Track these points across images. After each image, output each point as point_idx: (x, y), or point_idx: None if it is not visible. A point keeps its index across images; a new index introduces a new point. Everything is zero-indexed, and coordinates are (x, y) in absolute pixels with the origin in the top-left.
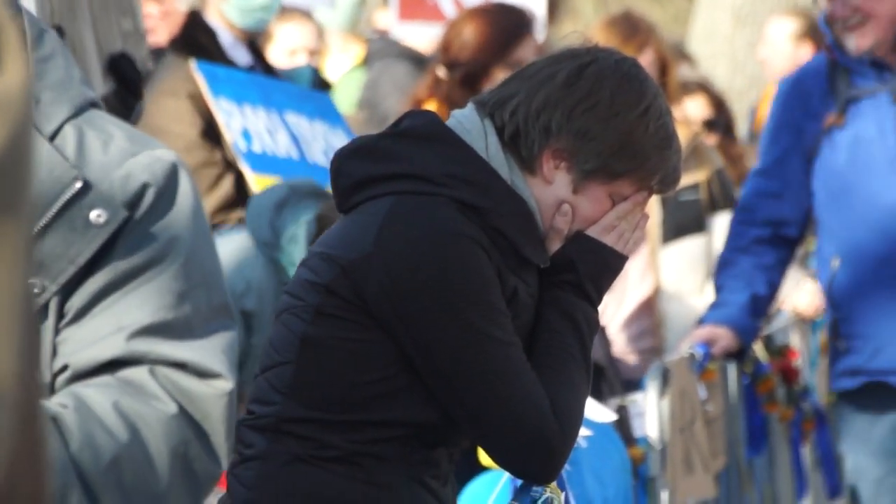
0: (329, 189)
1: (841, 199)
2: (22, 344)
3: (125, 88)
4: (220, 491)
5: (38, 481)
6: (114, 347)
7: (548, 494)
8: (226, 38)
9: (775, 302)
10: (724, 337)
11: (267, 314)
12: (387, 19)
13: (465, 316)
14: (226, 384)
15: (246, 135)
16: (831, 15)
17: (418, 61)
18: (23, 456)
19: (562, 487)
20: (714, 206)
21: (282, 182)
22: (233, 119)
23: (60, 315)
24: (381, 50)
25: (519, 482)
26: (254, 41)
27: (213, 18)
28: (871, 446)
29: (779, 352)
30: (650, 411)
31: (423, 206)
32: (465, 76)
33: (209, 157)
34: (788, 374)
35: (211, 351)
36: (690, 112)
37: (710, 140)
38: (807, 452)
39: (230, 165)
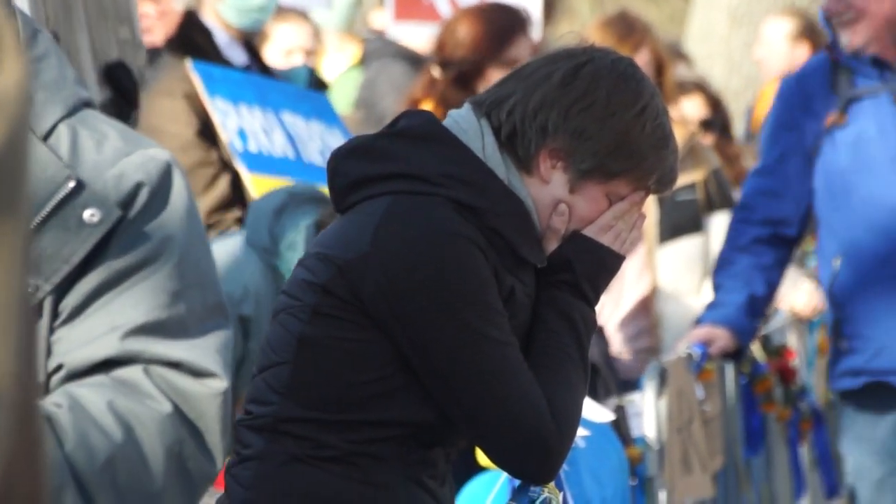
0: (328, 194)
1: (842, 198)
2: (20, 344)
3: (121, 97)
4: (217, 491)
5: (35, 481)
6: (108, 347)
7: (546, 495)
8: (222, 38)
9: (774, 302)
10: (721, 337)
11: (264, 320)
12: (382, 19)
13: (461, 316)
14: (220, 383)
15: (242, 134)
16: (827, 10)
17: (415, 61)
18: (20, 456)
19: (560, 487)
20: (711, 205)
21: (281, 188)
22: (229, 119)
23: (55, 315)
24: (378, 50)
25: (517, 482)
26: (250, 41)
27: (208, 18)
28: (872, 446)
29: (776, 352)
30: (648, 411)
31: (419, 206)
32: (460, 75)
33: (205, 157)
34: (786, 374)
35: (205, 350)
36: (687, 112)
37: (707, 140)
38: (804, 452)
39: (226, 165)
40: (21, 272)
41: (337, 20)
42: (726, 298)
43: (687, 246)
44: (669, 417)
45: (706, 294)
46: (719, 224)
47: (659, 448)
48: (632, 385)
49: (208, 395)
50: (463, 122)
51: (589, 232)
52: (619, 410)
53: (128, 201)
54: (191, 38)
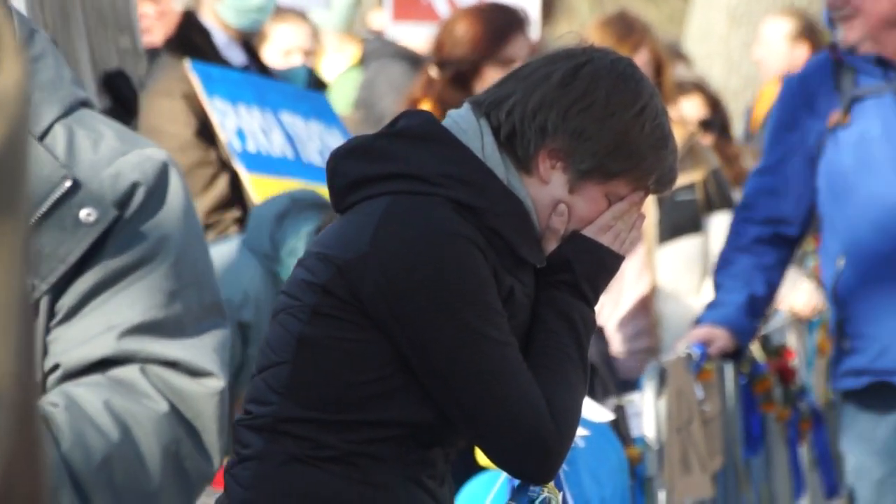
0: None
1: (845, 198)
2: (20, 344)
3: (120, 106)
4: (216, 491)
5: (35, 481)
6: (105, 346)
7: (545, 494)
8: (220, 39)
9: (774, 302)
10: (720, 337)
11: (264, 326)
12: (381, 19)
13: (461, 316)
14: (217, 383)
15: (240, 134)
16: (829, 5)
17: (414, 61)
18: (20, 456)
19: (559, 487)
20: (710, 206)
21: (283, 193)
22: (227, 119)
23: (51, 314)
24: (378, 50)
25: (516, 482)
26: (248, 41)
27: (207, 19)
28: (874, 446)
29: (776, 352)
30: (647, 411)
31: (419, 206)
32: (457, 74)
33: (204, 157)
34: (785, 374)
35: (202, 349)
36: (686, 112)
37: (706, 140)
38: (804, 452)
39: (225, 165)
40: (21, 272)
41: (336, 21)
42: (726, 298)
43: (686, 246)
44: (669, 417)
45: (705, 294)
46: (718, 224)
47: (658, 448)
48: (631, 385)
49: (205, 394)
50: (462, 122)
51: (588, 232)
52: (619, 410)
53: (124, 201)
54: (189, 39)
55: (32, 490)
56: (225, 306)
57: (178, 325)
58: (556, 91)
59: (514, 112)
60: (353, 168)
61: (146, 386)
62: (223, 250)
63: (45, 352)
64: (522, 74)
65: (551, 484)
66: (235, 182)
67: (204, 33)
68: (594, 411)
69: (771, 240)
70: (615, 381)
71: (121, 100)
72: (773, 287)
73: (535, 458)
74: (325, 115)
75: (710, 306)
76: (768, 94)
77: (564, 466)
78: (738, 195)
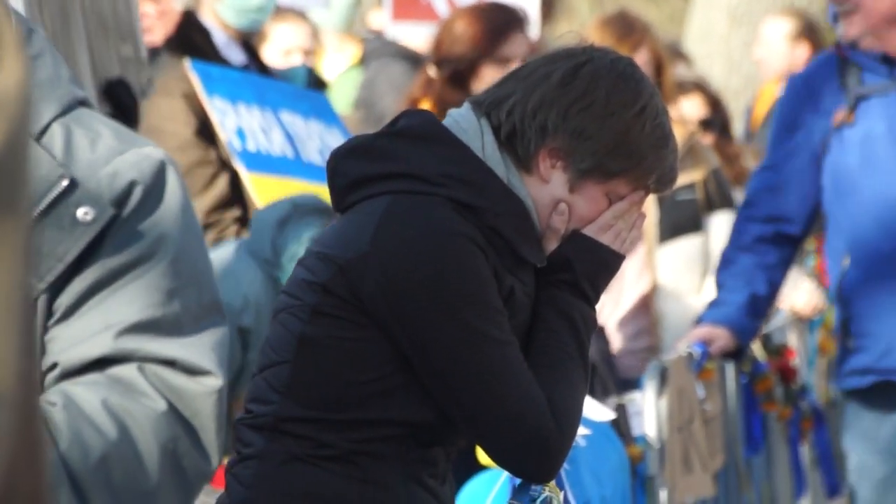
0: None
1: (850, 197)
2: (22, 342)
3: (121, 114)
4: (217, 491)
5: (37, 480)
6: (102, 345)
7: (546, 493)
8: (220, 38)
9: (776, 302)
10: (721, 337)
11: (264, 331)
12: (381, 19)
13: (461, 315)
14: (215, 381)
15: (240, 133)
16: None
17: (415, 61)
18: (22, 455)
19: (560, 486)
20: (710, 205)
21: (286, 198)
22: (227, 118)
23: (49, 313)
24: (378, 49)
25: (518, 481)
26: (248, 41)
27: (207, 18)
28: (877, 445)
29: (777, 351)
30: (648, 410)
31: (419, 205)
32: (454, 73)
33: (204, 156)
34: (786, 374)
35: (200, 348)
36: (686, 111)
37: (707, 139)
38: (805, 451)
39: (225, 164)
40: (23, 271)
41: (336, 20)
42: (727, 298)
43: (686, 245)
44: (670, 416)
45: (706, 293)
46: (719, 223)
47: (659, 447)
48: (632, 384)
49: (203, 392)
50: (463, 121)
51: (589, 231)
52: (620, 409)
53: (122, 199)
54: (189, 38)
55: (34, 489)
56: (225, 310)
57: (176, 323)
58: (557, 90)
59: (514, 111)
60: (354, 167)
61: (144, 385)
62: (223, 254)
63: (42, 351)
64: (523, 74)
65: (552, 483)
66: (235, 181)
67: (204, 33)
68: (595, 410)
69: (773, 239)
70: (615, 381)
71: (121, 108)
72: (774, 286)
73: (536, 457)
74: (325, 114)
75: (712, 305)
76: (768, 94)
77: (566, 465)
78: (738, 195)
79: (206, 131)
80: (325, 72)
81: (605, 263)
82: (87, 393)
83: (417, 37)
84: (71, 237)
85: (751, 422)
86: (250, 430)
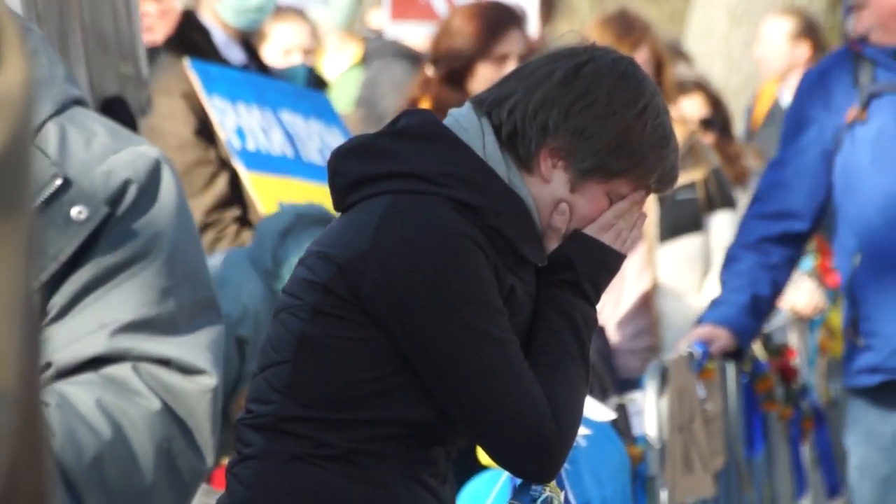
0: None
1: (861, 195)
2: (24, 342)
3: None
4: (218, 491)
5: (39, 480)
6: (97, 344)
7: (547, 493)
8: (219, 37)
9: (778, 301)
10: (721, 336)
11: (261, 342)
12: (380, 18)
13: (461, 315)
14: (210, 380)
15: (240, 133)
16: None
17: (416, 60)
18: (25, 454)
19: (561, 486)
20: (711, 204)
21: (289, 208)
22: (227, 117)
23: (43, 313)
24: (379, 49)
25: (518, 481)
26: (248, 40)
27: (207, 18)
28: (881, 443)
29: (777, 351)
30: (649, 410)
31: (419, 205)
32: (450, 72)
33: (203, 156)
34: (787, 373)
35: (195, 347)
36: (687, 111)
37: (707, 139)
38: (806, 451)
39: (225, 164)
40: (26, 271)
41: (337, 19)
42: (729, 297)
43: (687, 245)
44: (670, 416)
45: (706, 293)
46: (719, 223)
47: (660, 447)
48: (633, 384)
49: (198, 391)
50: (463, 120)
51: (590, 231)
52: (621, 409)
53: (116, 198)
54: (189, 38)
55: (36, 488)
56: (223, 320)
57: (171, 322)
58: (558, 90)
59: (515, 111)
60: (354, 167)
61: (138, 384)
62: (225, 261)
63: None
64: (524, 73)
65: (553, 483)
66: (235, 181)
67: (203, 32)
68: (596, 410)
69: (779, 238)
70: (616, 380)
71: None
72: (778, 287)
73: (537, 457)
74: (325, 113)
75: (713, 305)
76: (768, 93)
77: (566, 465)
78: (738, 194)
79: (205, 131)
80: (327, 71)
81: (606, 263)
82: (82, 392)
83: (416, 36)
84: (65, 236)
85: (751, 422)
86: (251, 430)
